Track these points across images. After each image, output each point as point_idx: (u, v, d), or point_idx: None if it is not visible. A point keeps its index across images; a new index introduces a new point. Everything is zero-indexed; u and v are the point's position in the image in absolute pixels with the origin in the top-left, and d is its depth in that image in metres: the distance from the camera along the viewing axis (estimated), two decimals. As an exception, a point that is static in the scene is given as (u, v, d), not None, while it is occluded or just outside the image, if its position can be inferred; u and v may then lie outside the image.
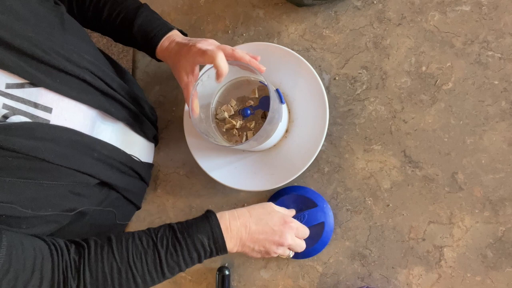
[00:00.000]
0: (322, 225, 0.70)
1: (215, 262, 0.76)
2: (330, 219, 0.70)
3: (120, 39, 0.72)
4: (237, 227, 0.60)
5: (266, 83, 0.61)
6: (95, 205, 0.62)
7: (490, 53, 0.68)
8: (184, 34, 0.71)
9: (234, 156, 0.74)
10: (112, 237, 0.56)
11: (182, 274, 0.77)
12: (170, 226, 0.58)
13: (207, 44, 0.63)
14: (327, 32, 0.76)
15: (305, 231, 0.67)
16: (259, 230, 0.61)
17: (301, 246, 0.66)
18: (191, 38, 0.66)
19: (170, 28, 0.68)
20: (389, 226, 0.69)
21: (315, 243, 0.69)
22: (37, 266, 0.48)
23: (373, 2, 0.74)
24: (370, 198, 0.70)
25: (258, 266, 0.74)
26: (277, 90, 0.68)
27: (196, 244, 0.57)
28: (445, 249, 0.67)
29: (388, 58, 0.72)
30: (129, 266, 0.54)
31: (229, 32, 0.82)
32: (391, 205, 0.69)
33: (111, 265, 0.54)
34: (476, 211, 0.66)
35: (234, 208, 0.76)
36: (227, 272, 0.73)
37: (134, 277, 0.54)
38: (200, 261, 0.58)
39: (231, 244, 0.59)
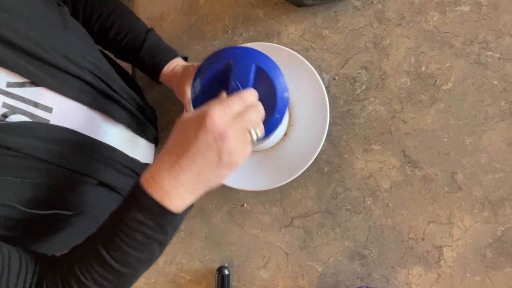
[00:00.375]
0: (272, 91, 0.53)
1: (214, 262, 0.76)
2: (281, 79, 0.54)
3: (124, 58, 0.75)
4: (163, 177, 0.45)
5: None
6: (95, 206, 0.62)
7: (489, 53, 0.68)
8: (185, 59, 0.75)
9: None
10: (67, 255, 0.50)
11: (181, 274, 0.77)
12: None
13: None
14: (327, 32, 0.76)
15: (235, 105, 0.47)
16: (188, 158, 0.45)
17: (251, 121, 0.47)
18: (196, 62, 0.69)
19: (176, 55, 0.72)
20: (389, 226, 0.69)
21: (269, 115, 0.53)
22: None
23: (373, 2, 0.74)
24: (370, 198, 0.70)
25: (257, 266, 0.74)
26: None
27: (131, 223, 0.45)
28: (444, 249, 0.67)
29: (388, 58, 0.72)
30: (81, 281, 0.46)
31: (229, 32, 0.82)
32: (390, 205, 0.69)
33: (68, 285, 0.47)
34: (476, 211, 0.66)
35: (233, 208, 0.76)
36: (226, 272, 0.73)
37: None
38: (155, 239, 0.46)
39: (174, 200, 0.45)
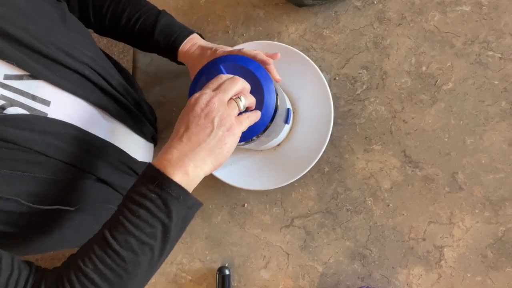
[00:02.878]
0: (260, 102, 0.56)
1: (215, 262, 0.76)
2: (271, 99, 0.56)
3: (139, 44, 0.73)
4: (166, 152, 0.47)
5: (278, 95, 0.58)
6: (95, 202, 0.62)
7: (490, 53, 0.68)
8: (202, 37, 0.72)
9: (237, 155, 0.74)
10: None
11: (182, 274, 0.77)
12: None
13: (231, 49, 0.64)
14: (327, 32, 0.76)
15: (212, 84, 0.52)
16: (185, 132, 0.48)
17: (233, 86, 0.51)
18: (214, 44, 0.68)
19: (191, 31, 0.70)
20: (389, 226, 0.69)
21: (259, 107, 0.56)
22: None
23: (373, 2, 0.74)
24: (370, 198, 0.70)
25: (258, 266, 0.74)
26: (288, 109, 0.66)
27: (135, 197, 0.45)
28: (445, 249, 0.67)
29: (388, 58, 0.72)
30: (80, 270, 0.44)
31: (229, 32, 0.82)
32: (391, 205, 0.69)
33: (67, 277, 0.45)
34: (476, 211, 0.66)
35: (234, 208, 0.76)
36: (227, 272, 0.73)
37: (87, 277, 0.44)
38: (158, 218, 0.45)
39: (177, 170, 0.46)
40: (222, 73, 0.56)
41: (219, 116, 0.48)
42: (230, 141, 0.49)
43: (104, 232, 0.45)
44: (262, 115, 0.56)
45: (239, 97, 0.51)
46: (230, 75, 0.53)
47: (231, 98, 0.51)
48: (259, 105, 0.56)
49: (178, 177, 0.46)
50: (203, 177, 0.49)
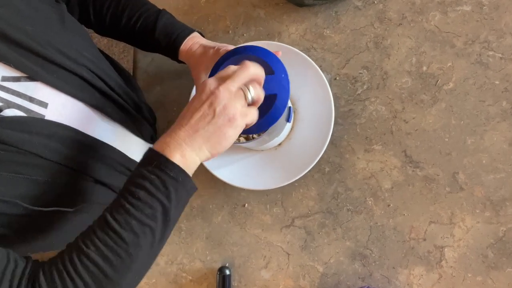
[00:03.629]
0: (274, 98, 0.55)
1: (216, 262, 0.76)
2: (285, 93, 0.56)
3: (140, 43, 0.73)
4: (165, 136, 0.48)
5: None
6: (94, 203, 0.62)
7: (491, 53, 0.68)
8: (203, 36, 0.72)
9: (238, 155, 0.74)
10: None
11: (182, 274, 0.77)
12: None
13: (234, 48, 0.63)
14: (328, 32, 0.76)
15: (224, 72, 0.51)
16: (186, 116, 0.48)
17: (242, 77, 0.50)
18: (216, 43, 0.67)
19: (192, 30, 0.70)
20: (390, 226, 0.69)
21: (261, 118, 0.55)
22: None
23: (374, 2, 0.74)
24: (371, 198, 0.70)
25: (259, 266, 0.74)
26: (289, 108, 0.66)
27: (135, 180, 0.46)
28: (446, 249, 0.66)
29: (389, 58, 0.72)
30: (83, 252, 0.44)
31: (230, 32, 0.82)
32: (391, 205, 0.69)
33: (68, 259, 0.45)
34: (477, 211, 0.66)
35: (234, 208, 0.76)
36: (227, 272, 0.73)
37: (90, 258, 0.44)
38: (157, 198, 0.46)
39: (174, 152, 0.47)
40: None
41: (223, 105, 0.47)
42: (230, 132, 0.48)
43: (105, 214, 0.46)
44: (274, 110, 0.55)
45: (248, 88, 0.50)
46: (246, 62, 0.51)
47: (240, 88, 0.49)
48: (270, 101, 0.55)
49: (176, 158, 0.46)
50: (199, 163, 0.49)
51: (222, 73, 0.50)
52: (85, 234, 0.46)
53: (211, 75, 0.57)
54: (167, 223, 0.47)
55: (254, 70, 0.50)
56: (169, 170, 0.46)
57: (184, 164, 0.47)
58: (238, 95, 0.49)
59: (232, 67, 0.51)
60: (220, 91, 0.47)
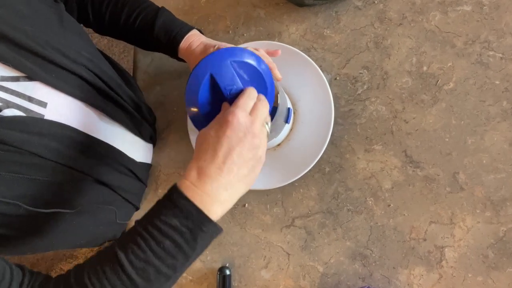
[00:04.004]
0: (259, 75, 0.54)
1: (216, 262, 0.76)
2: (271, 87, 0.55)
3: (139, 41, 0.72)
4: (205, 181, 0.44)
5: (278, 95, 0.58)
6: (94, 203, 0.62)
7: (491, 53, 0.68)
8: (202, 34, 0.71)
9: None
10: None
11: (182, 274, 0.77)
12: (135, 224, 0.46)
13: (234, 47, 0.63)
14: (328, 32, 0.76)
15: (247, 103, 0.48)
16: (226, 157, 0.44)
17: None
18: (217, 41, 0.67)
19: (191, 28, 0.69)
20: (390, 226, 0.69)
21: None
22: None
23: (374, 2, 0.74)
24: (371, 198, 0.70)
25: (259, 266, 0.74)
26: (288, 109, 0.66)
27: (163, 227, 0.42)
28: (446, 249, 0.66)
29: (389, 58, 0.72)
30: None
31: (230, 32, 0.82)
32: (392, 205, 0.69)
33: None
34: (477, 211, 0.66)
35: (235, 208, 0.76)
36: (228, 272, 0.73)
37: None
38: (182, 251, 0.43)
39: (214, 206, 0.44)
40: (235, 72, 0.52)
41: (261, 144, 0.46)
42: (259, 168, 0.48)
43: (119, 253, 0.42)
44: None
45: (266, 123, 0.49)
46: (256, 93, 0.50)
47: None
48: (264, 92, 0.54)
49: (215, 214, 0.44)
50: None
51: (244, 105, 0.47)
52: (92, 269, 0.43)
53: (200, 70, 0.53)
54: (184, 269, 0.45)
55: (267, 104, 0.50)
56: (205, 226, 0.43)
57: (222, 212, 0.45)
58: (265, 133, 0.48)
59: (251, 94, 0.48)
60: (256, 132, 0.46)
